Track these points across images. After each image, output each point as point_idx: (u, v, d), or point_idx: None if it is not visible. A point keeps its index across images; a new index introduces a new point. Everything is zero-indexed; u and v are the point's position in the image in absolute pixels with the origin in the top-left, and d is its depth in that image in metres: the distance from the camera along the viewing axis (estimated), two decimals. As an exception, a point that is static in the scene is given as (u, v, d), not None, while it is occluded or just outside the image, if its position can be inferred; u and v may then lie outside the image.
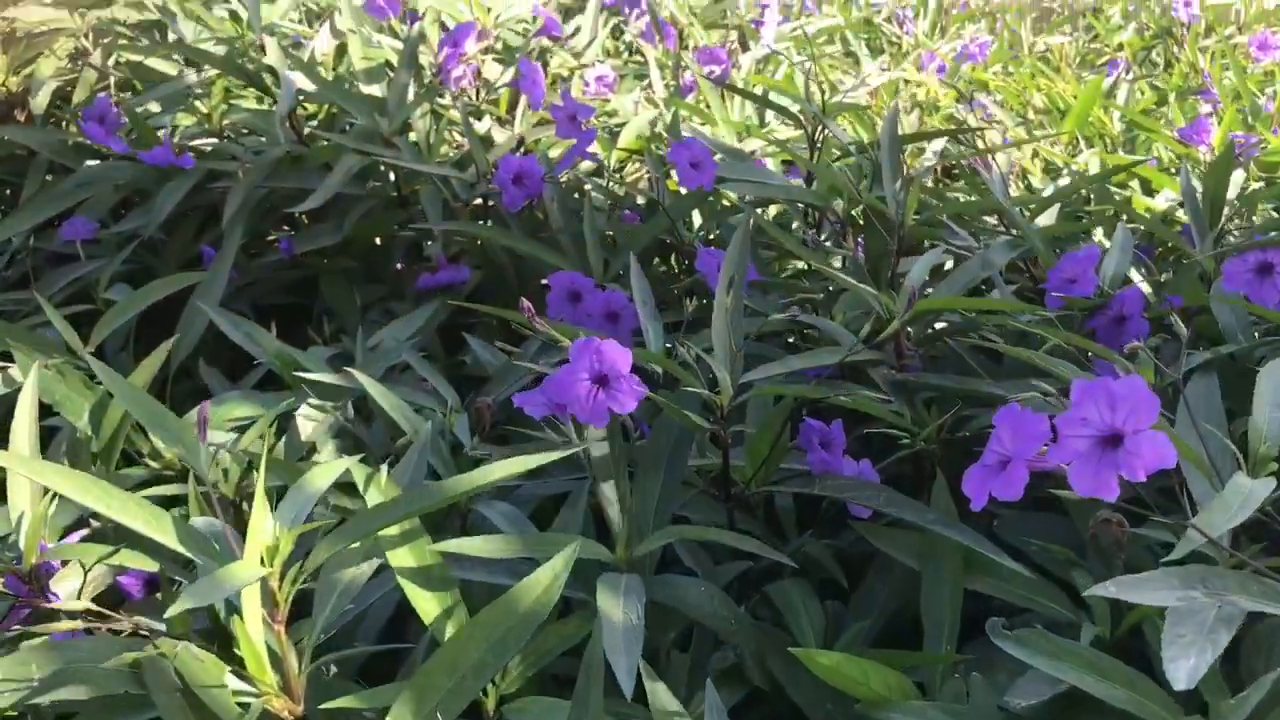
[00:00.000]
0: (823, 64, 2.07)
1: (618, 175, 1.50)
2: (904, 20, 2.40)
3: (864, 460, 0.92)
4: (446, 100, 1.47)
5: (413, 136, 1.44)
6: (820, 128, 1.25)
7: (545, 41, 1.61)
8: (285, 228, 1.60)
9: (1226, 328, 0.98)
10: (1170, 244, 1.24)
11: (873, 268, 1.23)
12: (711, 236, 1.40)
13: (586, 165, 1.46)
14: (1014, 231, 1.19)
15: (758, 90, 1.69)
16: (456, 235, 1.36)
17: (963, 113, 1.77)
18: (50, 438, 1.10)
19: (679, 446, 0.86)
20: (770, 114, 1.66)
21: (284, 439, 1.05)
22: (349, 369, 1.06)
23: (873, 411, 0.89)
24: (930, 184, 1.42)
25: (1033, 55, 2.32)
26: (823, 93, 1.25)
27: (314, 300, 1.49)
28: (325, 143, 1.40)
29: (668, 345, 0.98)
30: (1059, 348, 0.93)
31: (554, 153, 1.44)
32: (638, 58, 1.91)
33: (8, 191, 1.61)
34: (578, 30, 1.87)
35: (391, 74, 1.55)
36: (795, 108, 1.37)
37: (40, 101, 1.57)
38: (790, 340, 1.18)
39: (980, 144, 1.50)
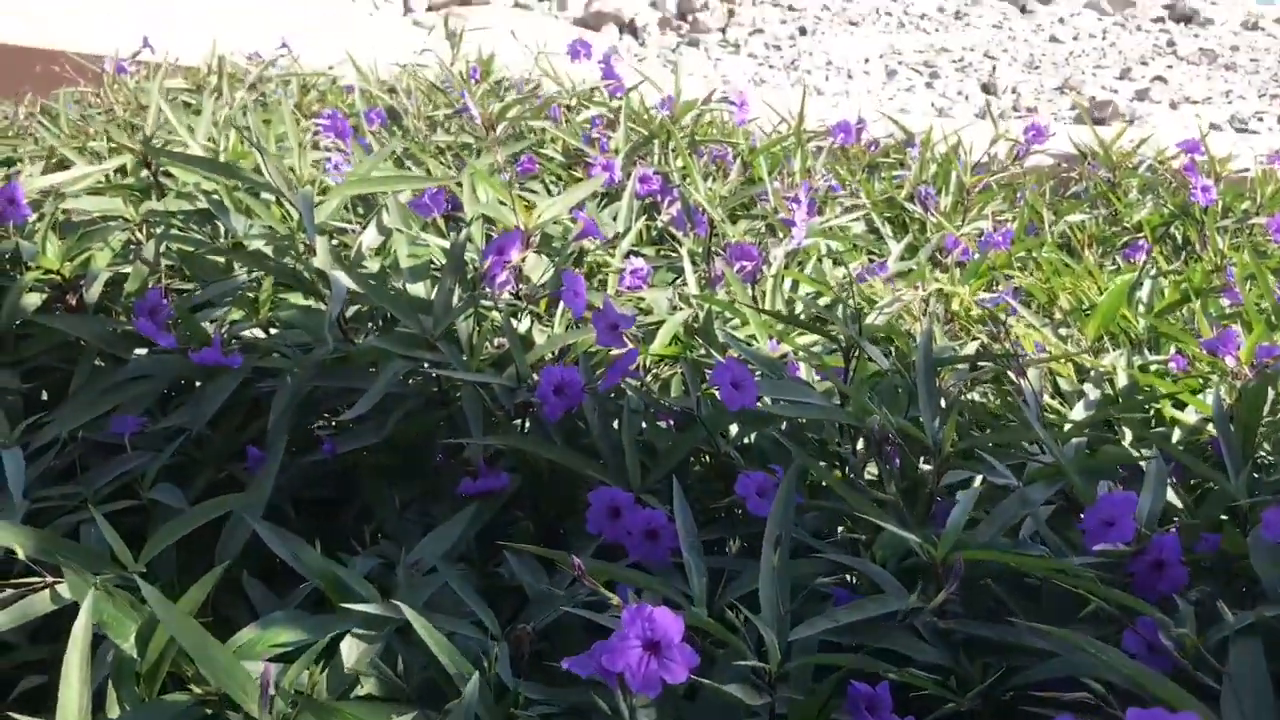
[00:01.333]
0: (850, 251, 2.13)
1: (653, 375, 1.54)
2: (926, 197, 2.46)
3: (909, 718, 0.93)
4: (489, 301, 1.52)
5: (455, 334, 1.48)
6: (855, 349, 1.28)
7: (585, 244, 1.66)
8: (326, 416, 1.63)
9: (1269, 585, 0.99)
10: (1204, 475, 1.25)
11: (909, 486, 1.25)
12: (748, 441, 1.43)
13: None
14: (1049, 455, 1.22)
15: (788, 281, 1.74)
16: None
17: (990, 306, 1.81)
18: (96, 645, 1.11)
19: (728, 712, 0.87)
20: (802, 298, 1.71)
21: (327, 669, 1.06)
22: (394, 601, 1.08)
23: (920, 683, 0.90)
24: (963, 395, 1.45)
25: (1054, 237, 2.37)
26: (859, 314, 1.29)
27: (352, 494, 1.51)
28: (371, 345, 1.45)
29: (708, 581, 1.00)
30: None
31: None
32: (669, 247, 1.97)
33: (57, 376, 1.65)
34: (615, 217, 1.94)
35: (436, 272, 1.60)
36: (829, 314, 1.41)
37: (93, 293, 1.63)
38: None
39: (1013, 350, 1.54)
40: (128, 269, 1.69)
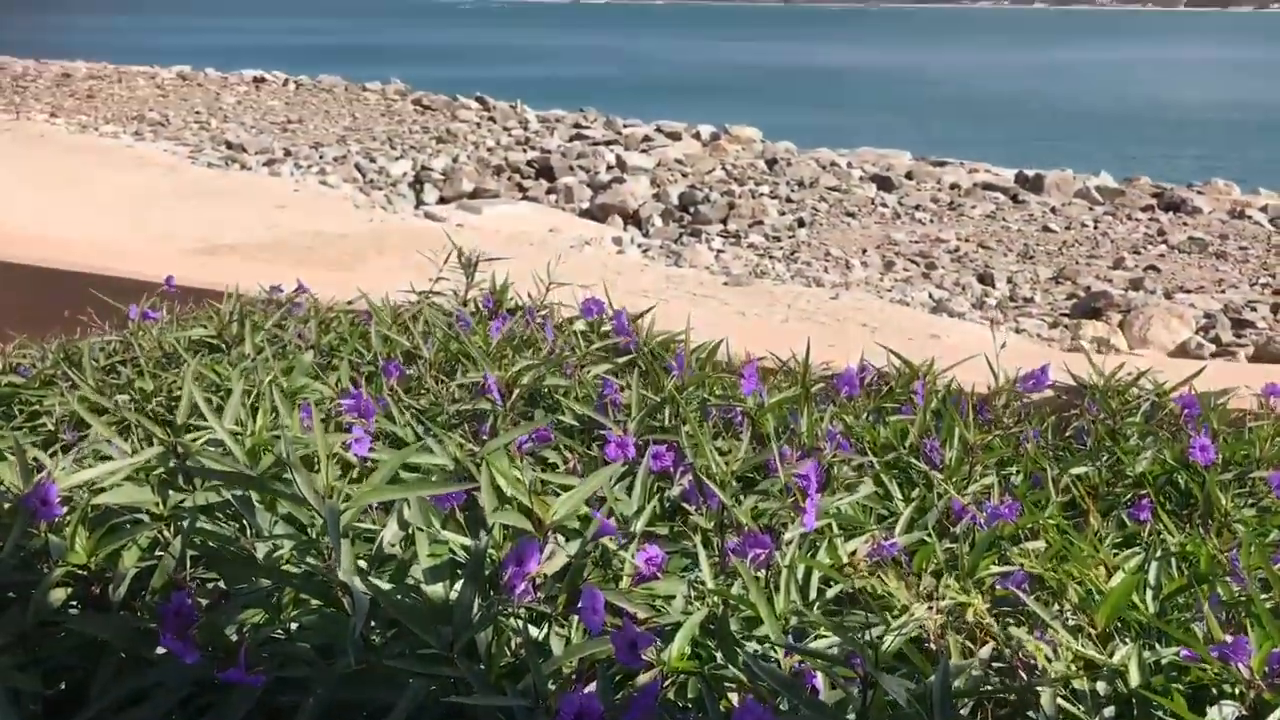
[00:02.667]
0: (859, 515, 2.17)
1: (670, 680, 1.56)
2: (931, 451, 2.52)
3: None
4: (507, 609, 1.55)
5: (475, 643, 1.51)
6: (872, 682, 1.31)
7: (605, 542, 1.71)
8: None
9: None
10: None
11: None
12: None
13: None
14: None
15: (801, 569, 1.77)
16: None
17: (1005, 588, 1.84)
18: None
19: None
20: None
21: None
22: None
23: None
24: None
25: (1058, 493, 2.42)
26: (875, 653, 1.32)
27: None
28: (392, 664, 1.47)
29: None
30: None
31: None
32: (682, 519, 2.01)
33: (79, 674, 1.67)
34: (630, 489, 1.99)
35: (457, 567, 1.64)
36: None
37: (120, 592, 1.66)
38: None
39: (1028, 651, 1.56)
40: (154, 560, 1.73)
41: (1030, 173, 18.69)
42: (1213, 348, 9.91)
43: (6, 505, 1.75)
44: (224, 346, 3.09)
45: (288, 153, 18.81)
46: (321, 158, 18.50)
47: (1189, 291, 11.74)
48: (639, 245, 13.96)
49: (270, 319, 3.25)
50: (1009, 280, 12.20)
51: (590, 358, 2.77)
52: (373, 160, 18.56)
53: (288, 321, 3.26)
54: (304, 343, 3.10)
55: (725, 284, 11.02)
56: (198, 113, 23.71)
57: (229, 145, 19.17)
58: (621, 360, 2.82)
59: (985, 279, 12.19)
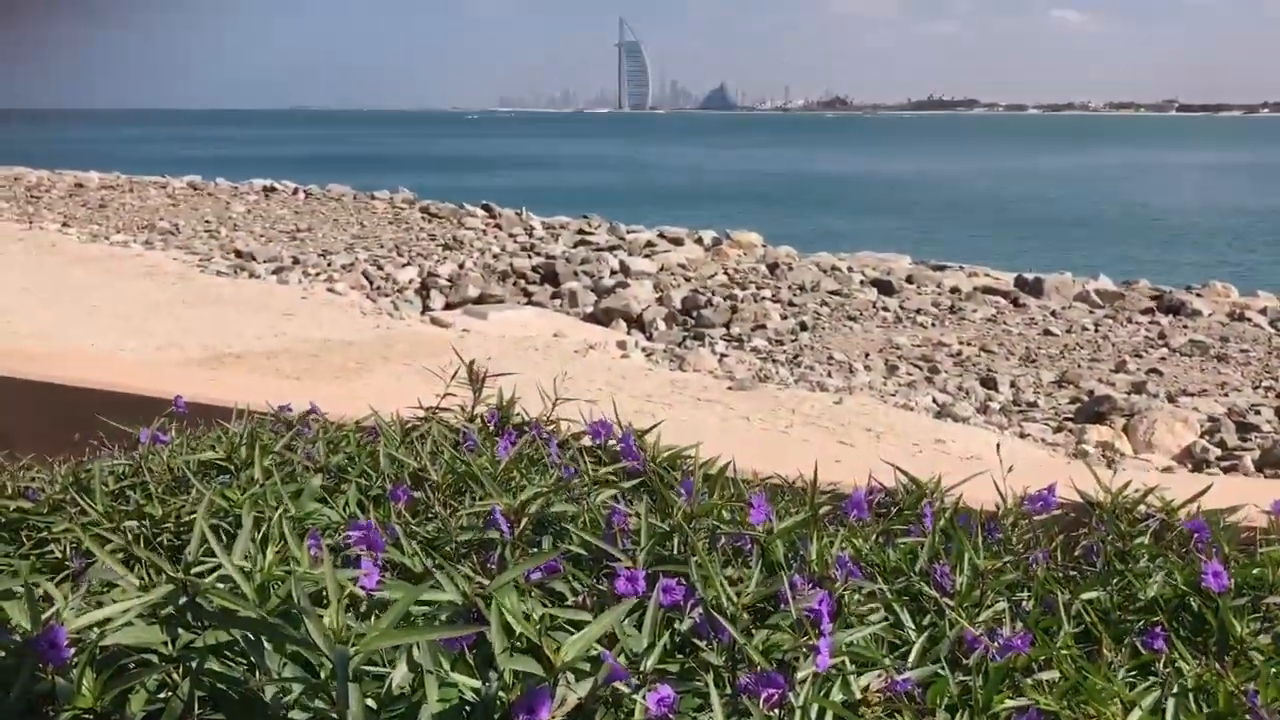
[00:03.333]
0: (870, 648, 2.15)
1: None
2: (941, 577, 2.51)
3: None
4: (519, 756, 1.53)
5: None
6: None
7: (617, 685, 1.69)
8: None
9: None
10: None
11: None
12: None
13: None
14: None
15: (815, 709, 1.75)
16: None
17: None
18: None
19: None
20: None
21: None
22: None
23: None
24: None
25: (1070, 620, 2.40)
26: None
27: None
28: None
29: None
30: None
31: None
32: (691, 653, 1.99)
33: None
34: (639, 623, 1.97)
35: (468, 714, 1.62)
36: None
37: (127, 737, 1.64)
38: None
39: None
40: (162, 703, 1.72)
41: (1030, 276, 18.88)
42: (1218, 451, 9.88)
43: (14, 645, 1.74)
44: (233, 469, 3.10)
45: (296, 260, 19.05)
46: (329, 265, 18.73)
47: (1192, 395, 11.75)
48: (643, 349, 14.04)
49: (279, 440, 3.26)
50: (1012, 384, 12.23)
51: (598, 481, 2.78)
52: (380, 267, 18.78)
53: (296, 442, 3.27)
54: (313, 464, 3.11)
55: (730, 388, 11.05)
56: (207, 221, 24.08)
57: (238, 253, 19.43)
58: (629, 484, 2.82)
59: (988, 383, 12.22)
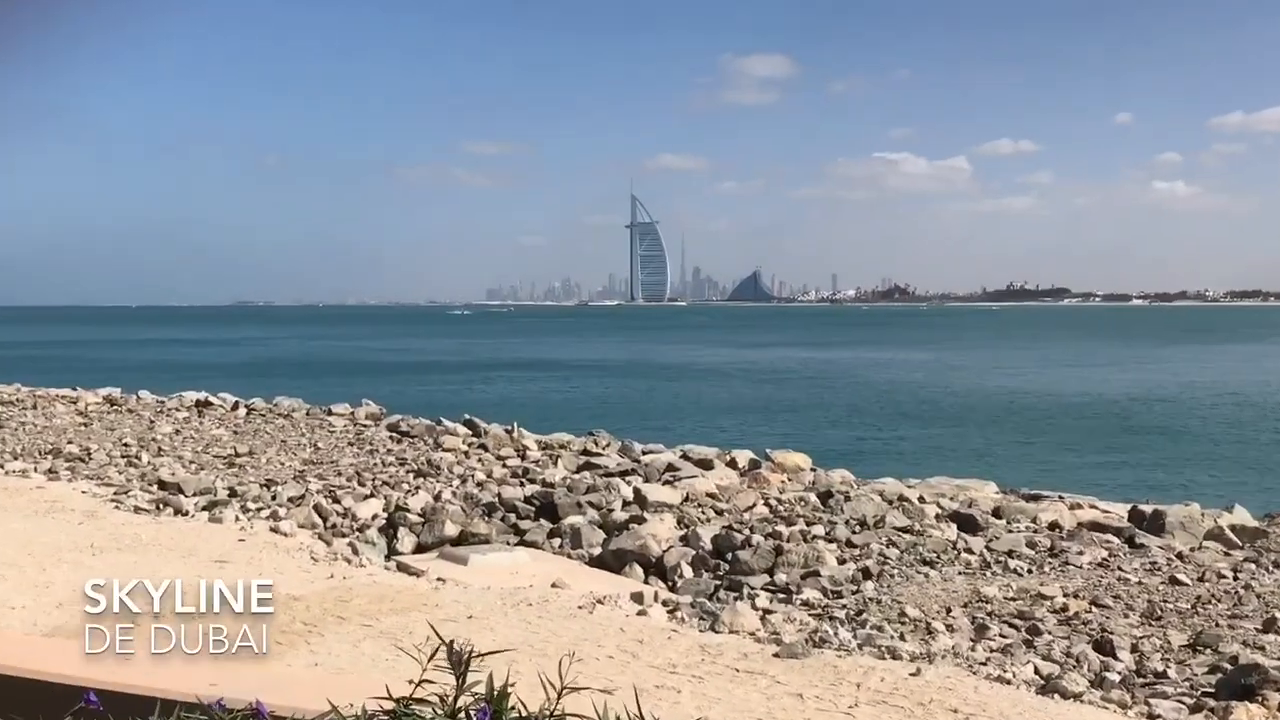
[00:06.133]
0: None
1: None
2: None
3: None
4: None
5: None
6: None
7: None
8: None
9: None
10: None
11: None
12: None
13: None
14: None
15: None
16: None
17: None
18: None
19: None
20: None
21: None
22: None
23: None
24: None
25: None
26: None
27: None
28: None
29: None
30: None
31: None
32: None
33: None
34: None
35: None
36: None
37: None
38: None
39: None
40: None
41: (1147, 508, 18.75)
42: (1406, 737, 9.55)
43: None
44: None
45: (233, 493, 19.08)
46: (274, 499, 18.75)
47: (1366, 662, 11.45)
48: (664, 603, 13.81)
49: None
50: (1134, 649, 11.96)
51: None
52: (336, 500, 18.79)
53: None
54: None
55: (775, 655, 10.82)
56: (126, 445, 24.28)
57: (161, 485, 19.49)
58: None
59: (1103, 647, 11.95)
